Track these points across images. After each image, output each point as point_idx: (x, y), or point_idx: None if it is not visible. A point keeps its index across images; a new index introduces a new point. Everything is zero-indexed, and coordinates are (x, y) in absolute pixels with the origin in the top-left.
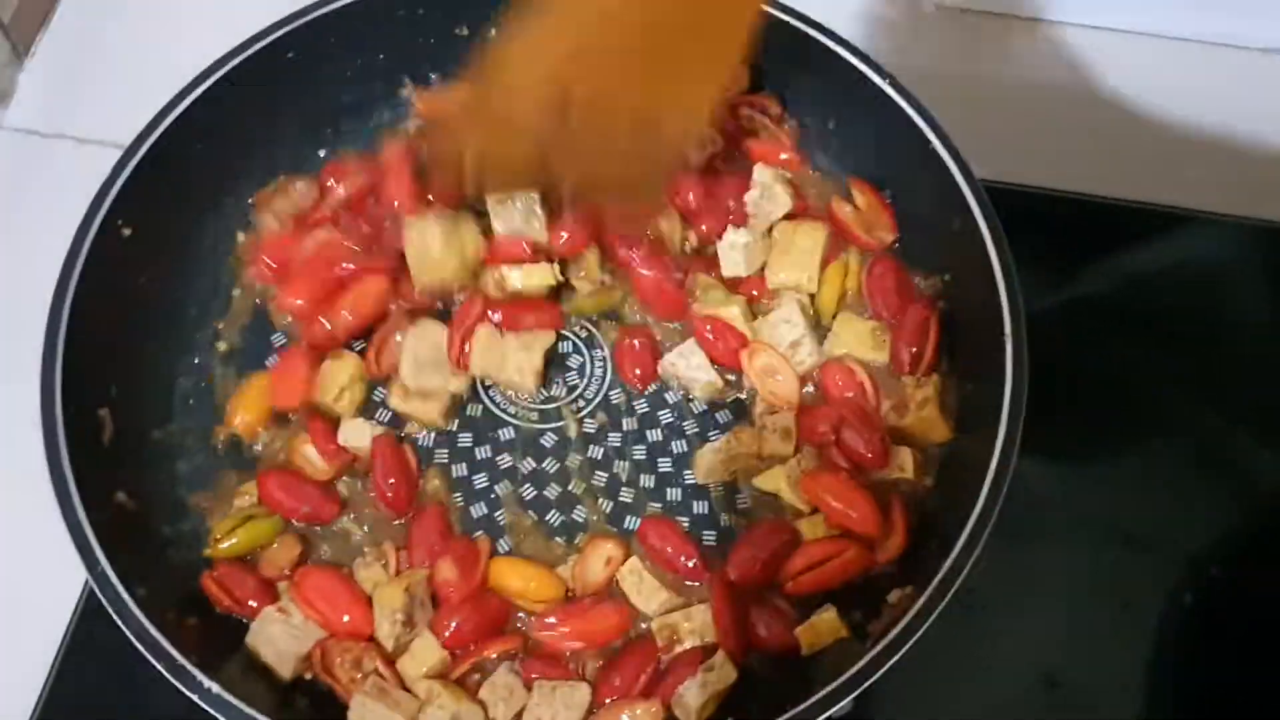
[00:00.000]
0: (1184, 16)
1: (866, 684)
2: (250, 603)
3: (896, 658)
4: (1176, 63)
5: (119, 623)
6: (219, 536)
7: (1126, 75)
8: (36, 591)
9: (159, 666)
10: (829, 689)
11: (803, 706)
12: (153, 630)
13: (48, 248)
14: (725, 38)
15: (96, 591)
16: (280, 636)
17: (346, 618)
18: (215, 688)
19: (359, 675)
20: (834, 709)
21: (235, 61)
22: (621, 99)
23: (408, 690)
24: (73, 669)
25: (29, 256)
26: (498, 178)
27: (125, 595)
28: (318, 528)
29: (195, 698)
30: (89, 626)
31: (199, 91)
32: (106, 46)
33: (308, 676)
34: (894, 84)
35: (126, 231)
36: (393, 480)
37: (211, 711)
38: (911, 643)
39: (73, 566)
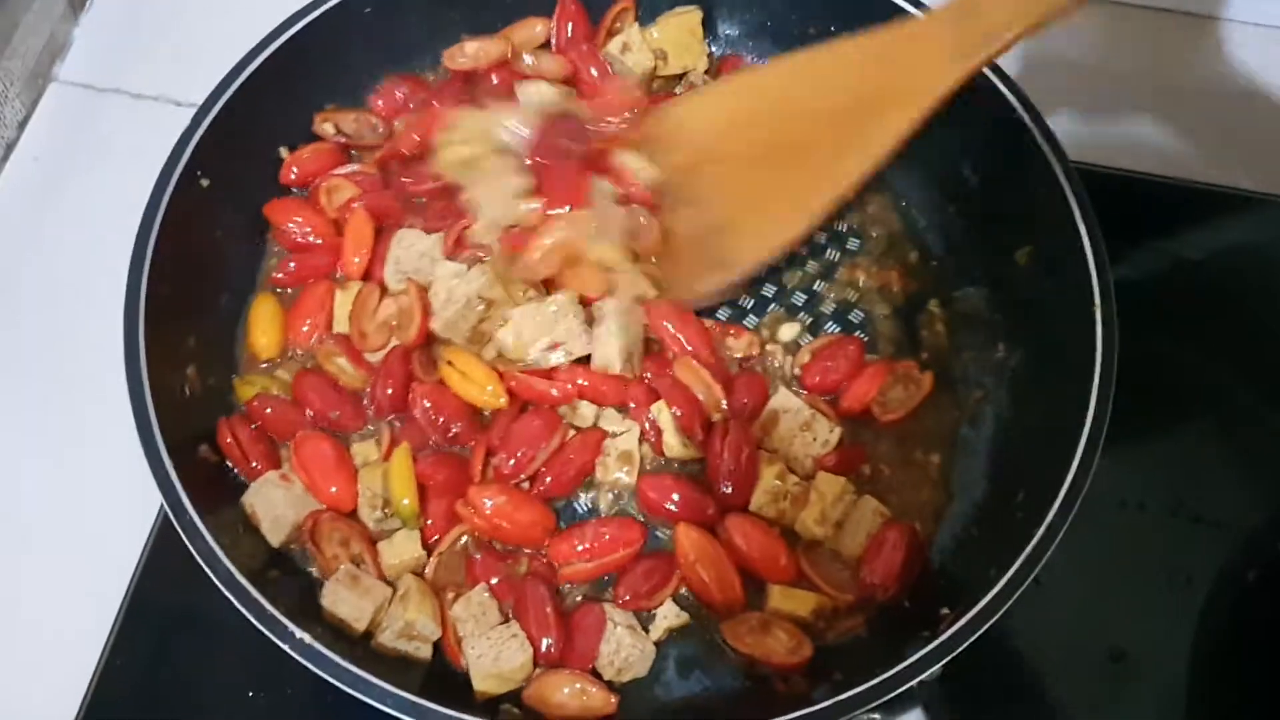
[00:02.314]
0: None
1: (954, 654)
2: (254, 463)
3: (985, 628)
4: (1224, 43)
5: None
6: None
7: (1176, 55)
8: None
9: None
10: (916, 656)
11: (896, 670)
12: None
13: (106, 200)
14: (827, 187)
15: (187, 541)
16: (279, 501)
17: (334, 488)
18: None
19: (344, 553)
20: (925, 674)
21: (312, 15)
22: (722, 198)
23: (384, 579)
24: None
25: (87, 209)
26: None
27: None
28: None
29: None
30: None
31: (275, 45)
32: (161, 2)
33: (292, 549)
34: None
35: (205, 183)
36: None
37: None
38: (999, 615)
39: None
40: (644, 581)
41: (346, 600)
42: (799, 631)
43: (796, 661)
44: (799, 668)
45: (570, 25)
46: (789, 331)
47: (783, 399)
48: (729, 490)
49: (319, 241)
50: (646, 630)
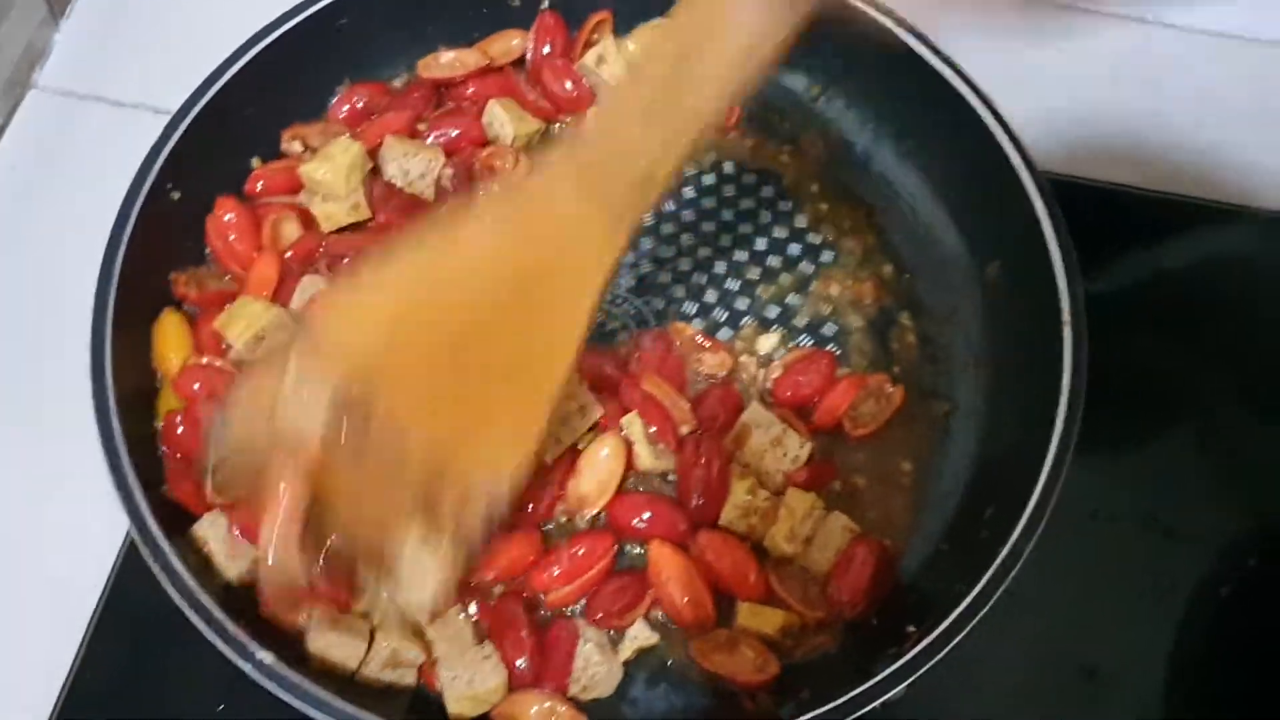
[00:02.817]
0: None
1: (920, 671)
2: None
3: (951, 646)
4: (1203, 56)
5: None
6: None
7: (1156, 67)
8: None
9: None
10: (883, 675)
11: (859, 689)
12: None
13: (83, 211)
14: (536, 386)
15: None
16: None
17: None
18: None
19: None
20: (889, 694)
21: (288, 25)
22: (418, 427)
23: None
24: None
25: (65, 219)
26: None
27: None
28: None
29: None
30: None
31: (250, 55)
32: (143, 8)
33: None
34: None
35: (175, 195)
36: None
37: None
38: (965, 632)
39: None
40: (616, 600)
41: (336, 643)
42: (765, 649)
43: (762, 680)
44: (765, 685)
45: (548, 39)
46: (767, 343)
47: (754, 413)
48: (700, 503)
49: (239, 270)
50: (615, 649)
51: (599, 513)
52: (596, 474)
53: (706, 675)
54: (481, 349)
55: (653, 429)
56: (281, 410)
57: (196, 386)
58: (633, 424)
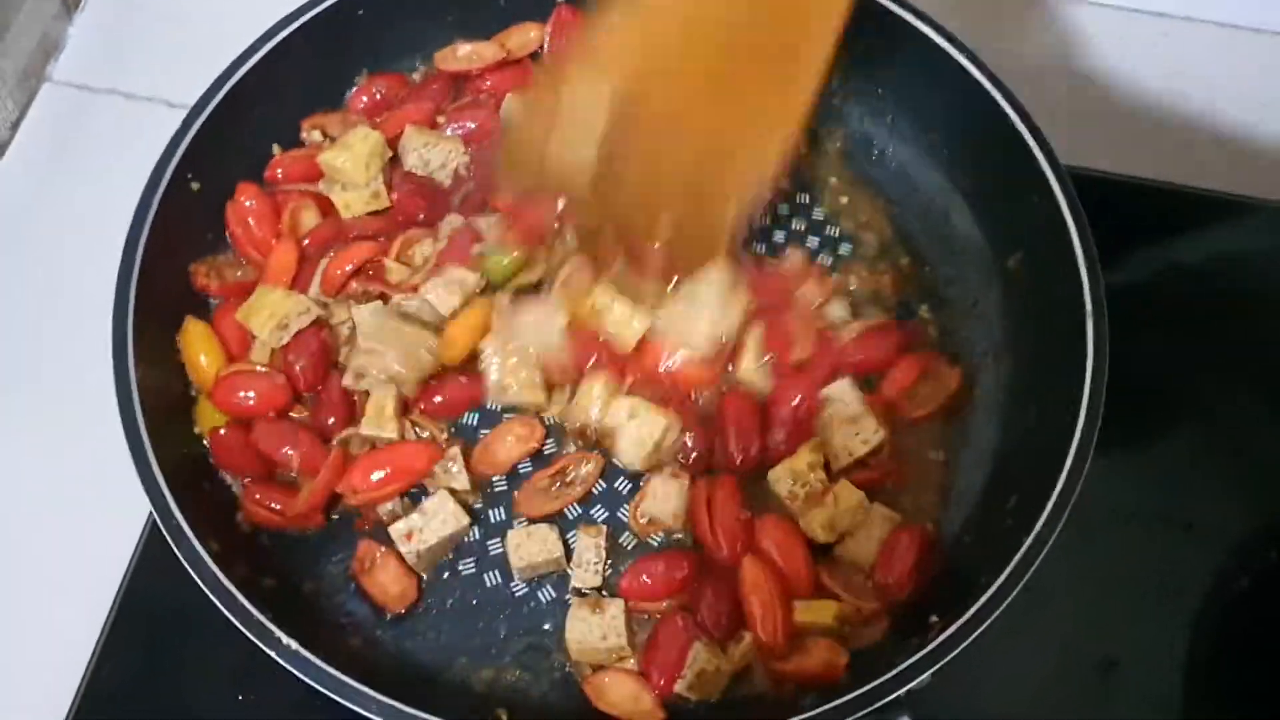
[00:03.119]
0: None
1: (944, 661)
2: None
3: (974, 637)
4: (1222, 48)
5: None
6: None
7: (1177, 60)
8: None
9: None
10: (908, 663)
11: (885, 678)
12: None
13: (98, 202)
14: (803, 63)
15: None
16: None
17: None
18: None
19: None
20: (913, 683)
21: (306, 17)
22: (692, 121)
23: None
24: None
25: (80, 211)
26: (560, 183)
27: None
28: None
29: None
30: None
31: (269, 46)
32: (157, 1)
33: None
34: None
35: (195, 186)
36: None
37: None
38: (988, 624)
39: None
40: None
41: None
42: (834, 642)
43: (834, 674)
44: (836, 679)
45: (565, 32)
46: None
47: (841, 388)
48: (780, 438)
49: (258, 257)
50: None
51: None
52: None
53: (771, 676)
54: (745, 35)
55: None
56: (557, 141)
57: (241, 396)
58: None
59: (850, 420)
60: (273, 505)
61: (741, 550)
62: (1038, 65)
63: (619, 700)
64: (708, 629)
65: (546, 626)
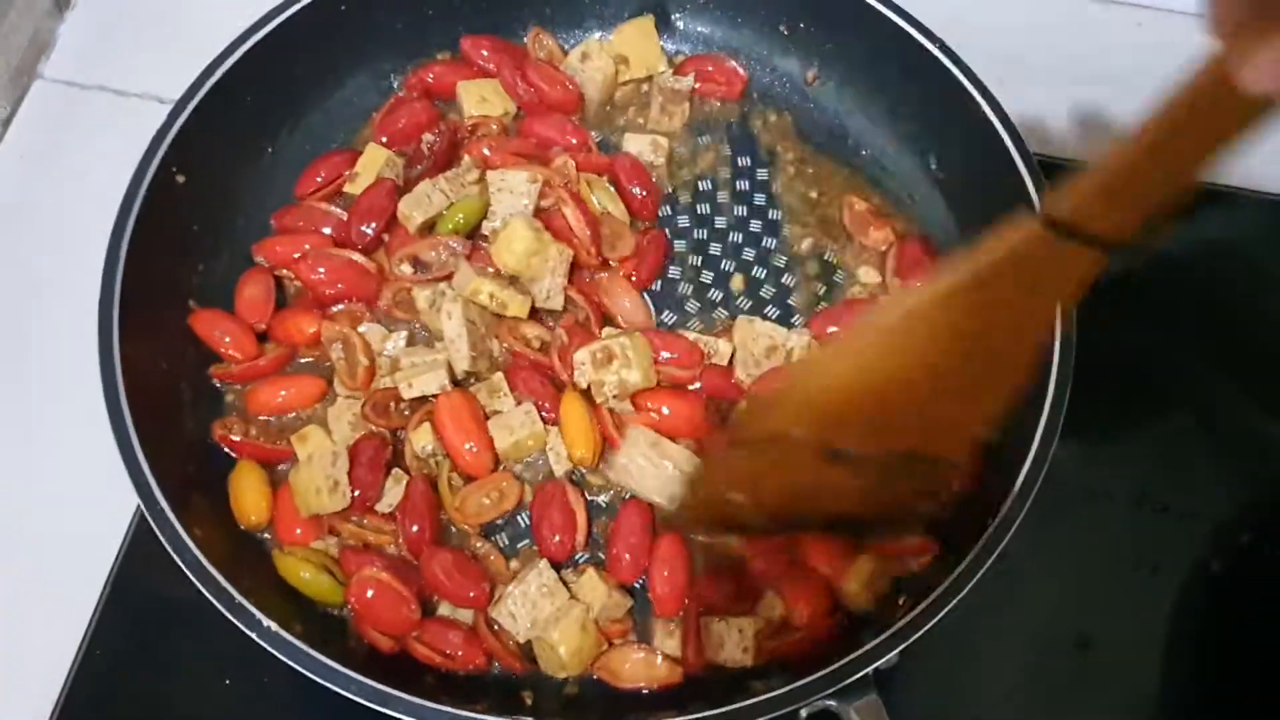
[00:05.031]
0: None
1: (912, 639)
2: None
3: (940, 616)
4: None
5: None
6: None
7: (1153, 49)
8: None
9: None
10: (875, 643)
11: (851, 657)
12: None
13: (89, 198)
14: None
15: (157, 530)
16: None
17: None
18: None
19: None
20: (880, 661)
21: (290, 11)
22: (897, 442)
23: None
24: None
25: (71, 206)
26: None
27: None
28: None
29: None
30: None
31: (254, 40)
32: (147, 0)
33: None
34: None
35: (181, 179)
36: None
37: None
38: (954, 603)
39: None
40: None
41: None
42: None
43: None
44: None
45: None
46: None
47: None
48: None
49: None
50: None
51: None
52: None
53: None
54: (946, 379)
55: None
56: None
57: (369, 595)
58: None
59: None
60: None
61: None
62: (1016, 55)
63: (633, 673)
64: None
65: None
